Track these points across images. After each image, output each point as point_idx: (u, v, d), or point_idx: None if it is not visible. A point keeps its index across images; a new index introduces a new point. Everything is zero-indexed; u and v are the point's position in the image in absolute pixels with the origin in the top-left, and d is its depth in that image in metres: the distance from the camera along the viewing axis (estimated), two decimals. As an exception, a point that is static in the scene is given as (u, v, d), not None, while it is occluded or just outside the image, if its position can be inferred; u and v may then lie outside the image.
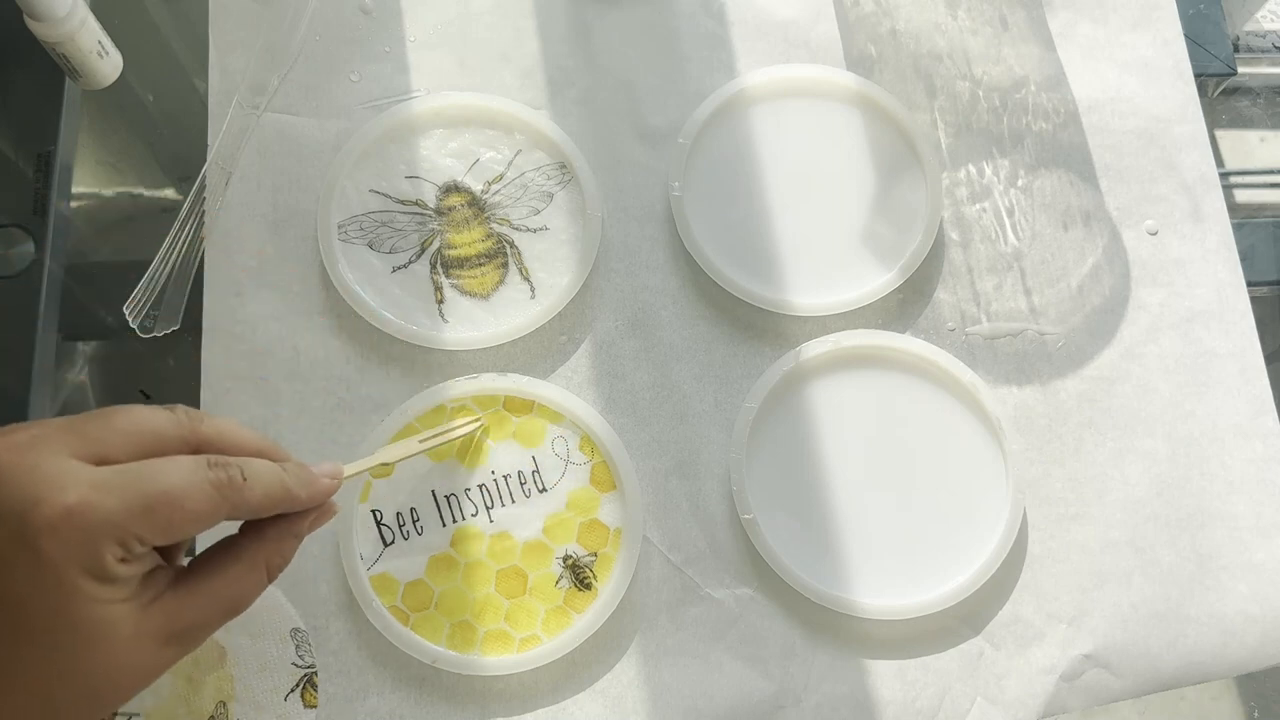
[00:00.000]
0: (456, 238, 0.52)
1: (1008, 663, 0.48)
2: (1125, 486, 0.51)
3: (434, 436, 0.43)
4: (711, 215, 0.53)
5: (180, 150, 0.55)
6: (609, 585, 0.47)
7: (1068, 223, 0.55)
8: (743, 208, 0.53)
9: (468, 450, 0.48)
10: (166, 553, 0.35)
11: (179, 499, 0.31)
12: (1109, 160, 0.56)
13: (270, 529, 0.36)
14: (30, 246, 0.51)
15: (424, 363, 0.50)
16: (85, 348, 0.54)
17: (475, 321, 0.51)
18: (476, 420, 0.43)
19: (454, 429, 0.46)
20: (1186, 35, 0.59)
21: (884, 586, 0.48)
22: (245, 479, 0.33)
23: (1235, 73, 0.61)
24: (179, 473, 0.31)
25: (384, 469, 0.42)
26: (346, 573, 0.47)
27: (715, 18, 0.57)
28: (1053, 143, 0.56)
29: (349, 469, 0.39)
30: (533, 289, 0.51)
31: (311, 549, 0.47)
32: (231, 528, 0.36)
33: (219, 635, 0.46)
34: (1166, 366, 0.53)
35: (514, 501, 0.48)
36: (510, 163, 0.53)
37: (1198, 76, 0.58)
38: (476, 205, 0.52)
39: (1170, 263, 0.55)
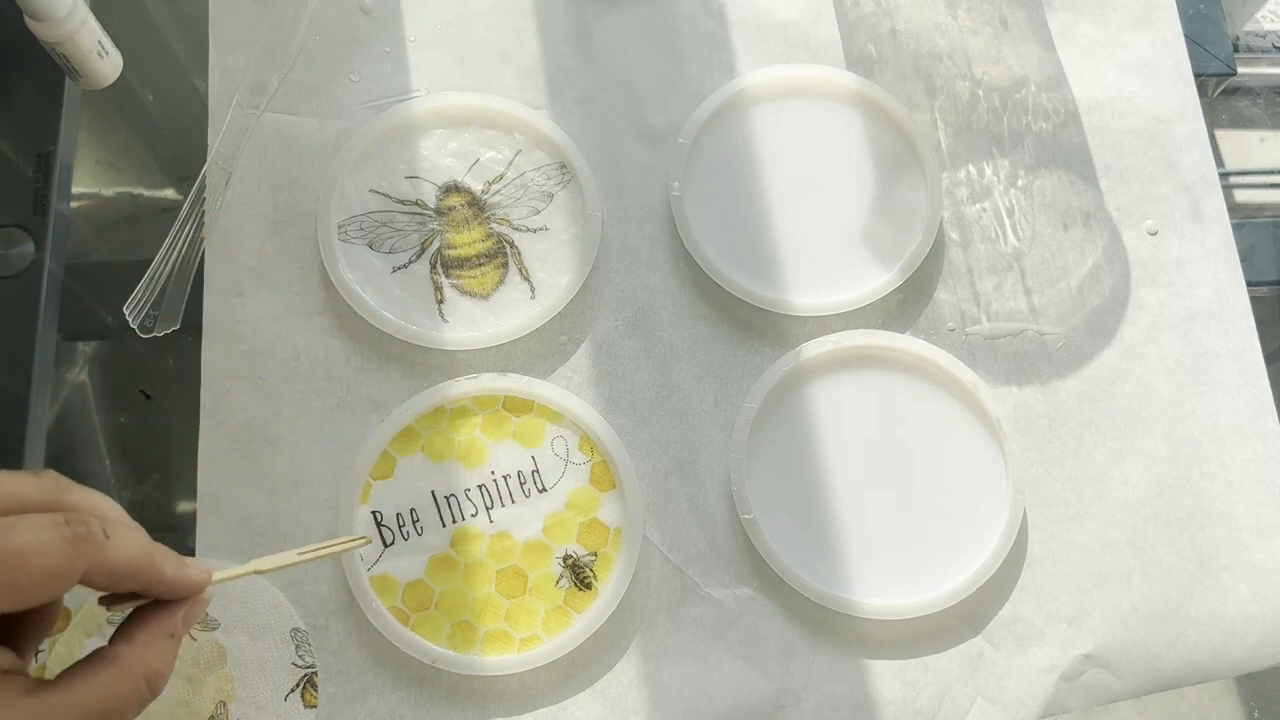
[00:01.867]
0: (456, 238, 0.52)
1: (1008, 663, 0.48)
2: (1125, 486, 0.51)
3: (313, 551, 0.41)
4: (711, 215, 0.53)
5: (180, 150, 0.55)
6: (609, 585, 0.47)
7: (1068, 223, 0.55)
8: (743, 208, 0.53)
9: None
10: (17, 648, 0.30)
11: (25, 555, 0.27)
12: (1109, 160, 0.56)
13: (139, 631, 0.31)
14: (30, 246, 0.51)
15: (424, 363, 0.50)
16: (85, 348, 0.54)
17: (475, 321, 0.51)
18: (361, 538, 0.42)
19: (335, 544, 0.42)
20: (1186, 35, 0.59)
21: (884, 586, 0.48)
22: (106, 536, 0.29)
23: (1235, 73, 0.61)
24: (27, 529, 0.28)
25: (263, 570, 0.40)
26: (346, 573, 0.47)
27: (715, 18, 0.57)
28: (1053, 143, 0.56)
29: (218, 575, 0.35)
30: (533, 289, 0.51)
31: (311, 549, 0.47)
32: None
33: (219, 635, 0.46)
34: (1166, 366, 0.53)
35: (514, 501, 0.48)
36: (510, 163, 0.53)
37: (1198, 76, 0.58)
38: (476, 205, 0.52)
39: (1170, 263, 0.55)
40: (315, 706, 0.45)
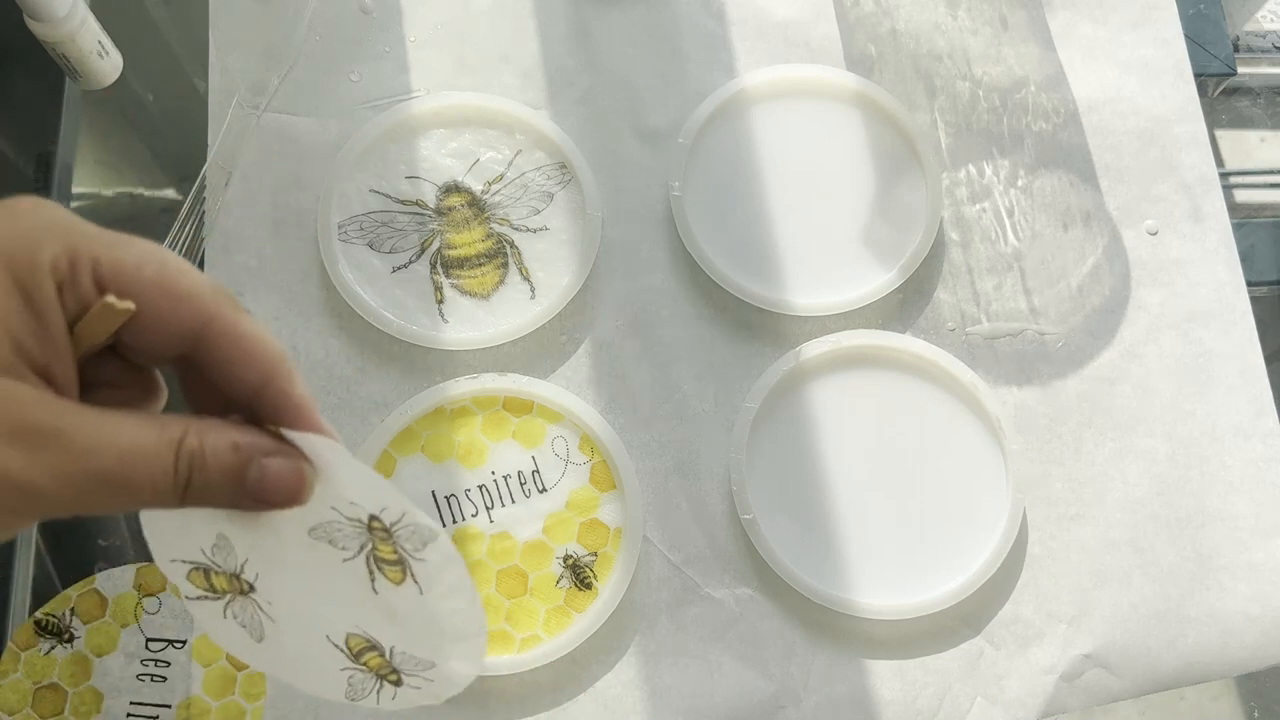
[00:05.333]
0: (456, 238, 0.52)
1: (1008, 663, 0.48)
2: (1125, 486, 0.51)
3: None
4: (711, 215, 0.53)
5: (180, 150, 0.55)
6: (609, 585, 0.47)
7: (1068, 223, 0.55)
8: (743, 208, 0.53)
9: None
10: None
11: (181, 272, 0.26)
12: (1109, 160, 0.56)
13: (207, 418, 0.27)
14: (30, 246, 0.51)
15: (424, 363, 0.50)
16: (85, 348, 0.54)
17: (475, 321, 0.51)
18: None
19: None
20: (1186, 35, 0.59)
21: (884, 586, 0.48)
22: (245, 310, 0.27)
23: (1235, 73, 0.61)
24: (183, 270, 0.26)
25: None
26: (346, 573, 0.47)
27: (715, 18, 0.57)
28: (1053, 143, 0.56)
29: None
30: (533, 289, 0.51)
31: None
32: None
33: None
34: (1166, 367, 0.53)
35: (514, 502, 0.48)
36: (510, 163, 0.53)
37: (1198, 76, 0.58)
38: (476, 205, 0.52)
39: (1170, 263, 0.55)
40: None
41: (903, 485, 0.50)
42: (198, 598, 0.33)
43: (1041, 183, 0.56)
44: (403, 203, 0.52)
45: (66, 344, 0.25)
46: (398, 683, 0.34)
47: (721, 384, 0.51)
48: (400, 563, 0.32)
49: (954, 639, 0.48)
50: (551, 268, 0.52)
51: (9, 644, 0.46)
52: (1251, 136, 0.63)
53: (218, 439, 0.26)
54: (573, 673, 0.47)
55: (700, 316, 0.52)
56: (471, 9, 0.56)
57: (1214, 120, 0.61)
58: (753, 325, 0.52)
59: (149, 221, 0.54)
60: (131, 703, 0.46)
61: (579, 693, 0.47)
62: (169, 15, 0.58)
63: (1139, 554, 0.50)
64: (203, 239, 0.51)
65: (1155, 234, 0.55)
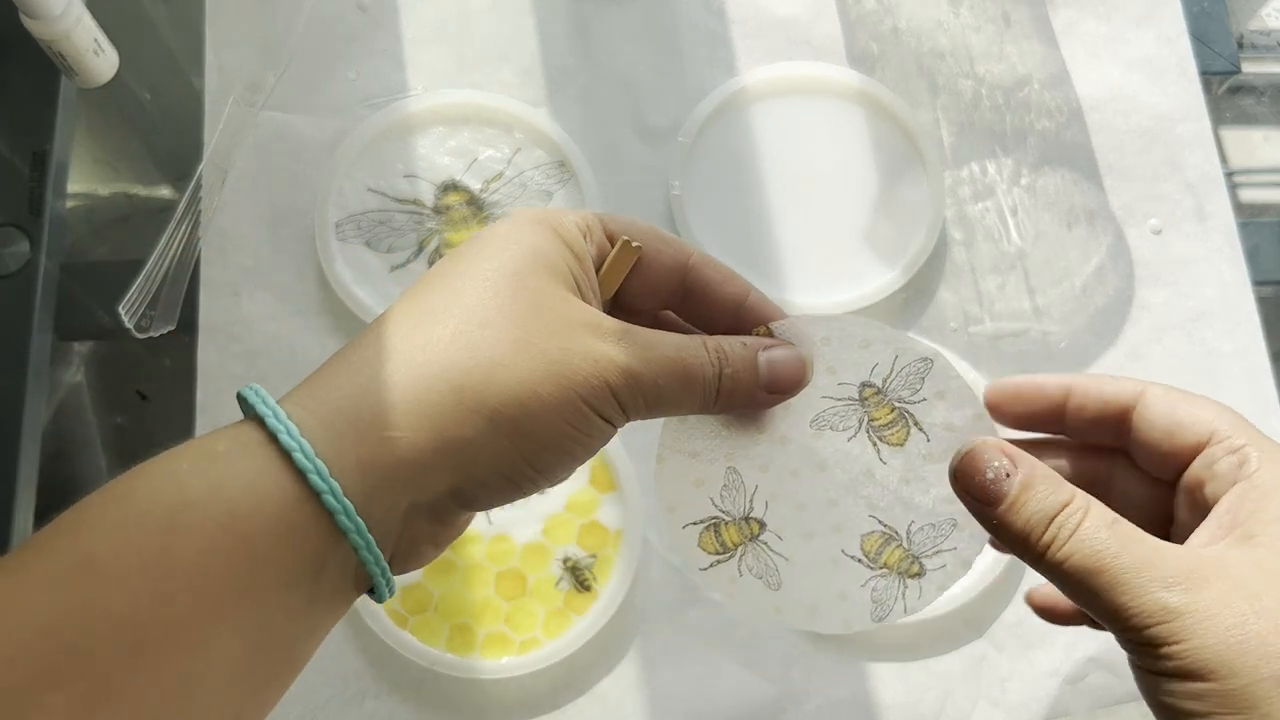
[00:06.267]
0: (455, 236, 0.51)
1: (1011, 665, 0.48)
2: (1129, 488, 0.51)
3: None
4: (712, 214, 0.53)
5: (177, 148, 0.55)
6: (609, 587, 0.47)
7: (1071, 222, 0.55)
8: (743, 206, 0.53)
9: None
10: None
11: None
12: (1112, 159, 0.56)
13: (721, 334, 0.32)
14: (25, 246, 0.51)
15: (422, 363, 0.50)
16: (81, 348, 0.53)
17: (474, 321, 0.50)
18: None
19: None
20: (1190, 34, 0.59)
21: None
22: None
23: (1239, 71, 0.61)
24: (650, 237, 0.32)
25: None
26: (344, 575, 0.46)
27: (715, 15, 0.56)
28: (1056, 141, 0.56)
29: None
30: (532, 288, 0.51)
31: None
32: None
33: None
34: (1171, 366, 0.53)
35: (513, 503, 0.48)
36: (509, 161, 0.53)
37: (1202, 74, 0.58)
38: (475, 204, 0.52)
39: (1174, 262, 0.55)
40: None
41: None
42: (710, 565, 0.36)
43: (1045, 181, 0.55)
44: (400, 201, 0.52)
45: (597, 286, 0.31)
46: (920, 573, 0.36)
47: (722, 384, 0.51)
48: (898, 420, 0.36)
49: (957, 641, 0.48)
50: (551, 267, 0.51)
51: None
52: (1256, 135, 0.63)
53: (730, 340, 0.31)
54: (572, 675, 0.46)
55: (701, 316, 0.52)
56: (470, 6, 0.55)
57: (1218, 119, 0.61)
58: (754, 325, 0.52)
59: (145, 220, 0.54)
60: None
61: (578, 695, 0.46)
62: (165, 13, 0.58)
63: (1143, 556, 0.50)
64: (199, 237, 0.51)
65: (1159, 233, 0.55)
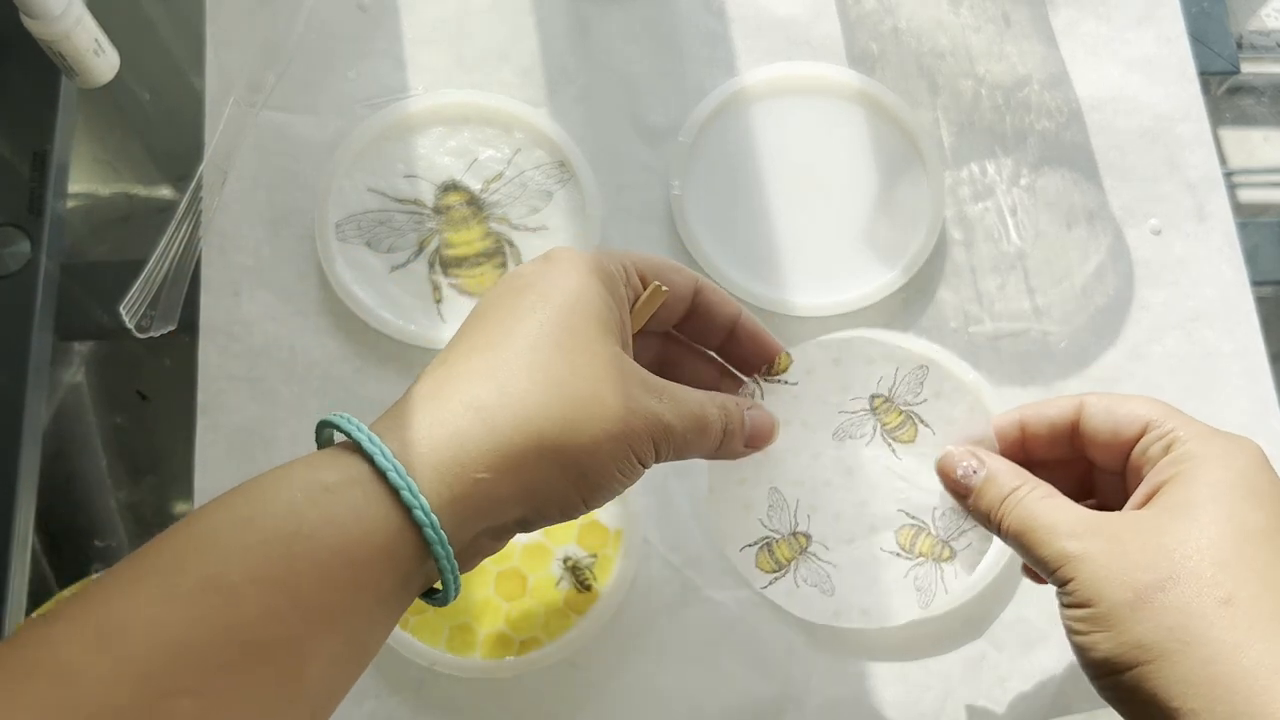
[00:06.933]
0: (455, 237, 0.51)
1: (1010, 665, 0.48)
2: (1129, 487, 0.51)
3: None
4: (712, 214, 0.53)
5: (177, 149, 0.55)
6: (609, 587, 0.47)
7: (1071, 222, 0.55)
8: (743, 207, 0.53)
9: None
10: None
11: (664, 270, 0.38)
12: (1112, 159, 0.56)
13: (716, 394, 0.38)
14: (26, 246, 0.51)
15: (422, 363, 0.50)
16: (81, 348, 0.53)
17: (474, 321, 0.50)
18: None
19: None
20: (1190, 34, 0.59)
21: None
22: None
23: (1239, 71, 0.61)
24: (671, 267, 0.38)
25: None
26: (344, 575, 0.46)
27: (715, 15, 0.56)
28: (1056, 141, 0.56)
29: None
30: (532, 288, 0.51)
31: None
32: None
33: None
34: (1170, 367, 0.53)
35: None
36: (509, 161, 0.53)
37: (1201, 75, 0.58)
38: (475, 204, 0.52)
39: (1174, 262, 0.55)
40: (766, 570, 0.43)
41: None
42: (769, 583, 0.41)
43: (1045, 181, 0.55)
44: (401, 201, 0.52)
45: (630, 326, 0.36)
46: (951, 556, 0.42)
47: (722, 384, 0.51)
48: (906, 421, 0.42)
49: (956, 641, 0.48)
50: (551, 267, 0.51)
51: None
52: (1255, 135, 0.63)
53: (729, 399, 0.37)
54: (572, 675, 0.46)
55: (701, 316, 0.52)
56: (470, 6, 0.55)
57: (1218, 119, 0.61)
58: (753, 325, 0.52)
59: (146, 220, 0.54)
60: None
61: (579, 695, 0.46)
62: (166, 13, 0.58)
63: (1143, 555, 0.50)
64: (200, 238, 0.51)
65: (1159, 233, 0.55)
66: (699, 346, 0.41)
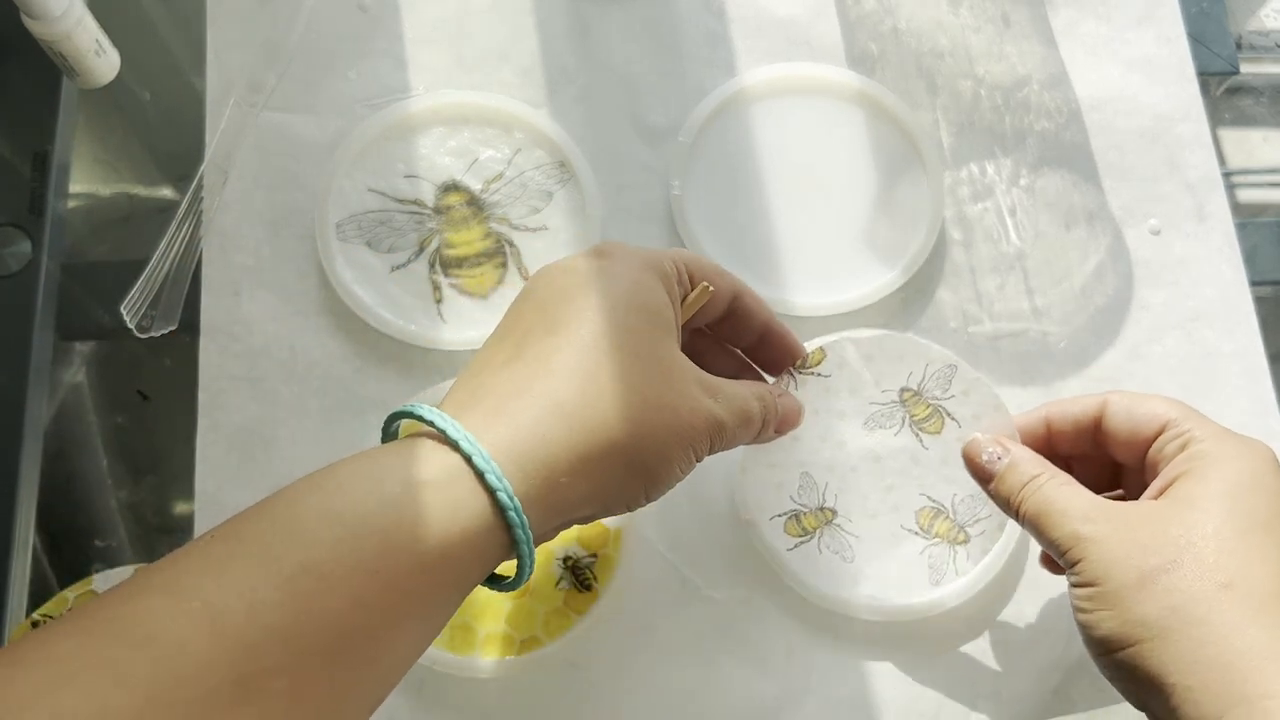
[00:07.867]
0: (455, 237, 0.51)
1: (1010, 664, 0.48)
2: (1128, 487, 0.51)
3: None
4: (712, 214, 0.53)
5: (178, 149, 0.55)
6: (609, 586, 0.47)
7: (1070, 222, 0.55)
8: (743, 207, 0.53)
9: None
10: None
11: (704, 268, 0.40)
12: (1112, 159, 0.56)
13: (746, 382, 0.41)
14: (27, 246, 0.51)
15: (422, 363, 0.50)
16: (82, 348, 0.53)
17: (474, 321, 0.50)
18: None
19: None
20: (1189, 34, 0.59)
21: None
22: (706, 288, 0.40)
23: (1238, 71, 0.61)
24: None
25: None
26: (344, 574, 0.46)
27: (715, 15, 0.57)
28: (1055, 141, 0.56)
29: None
30: (532, 288, 0.51)
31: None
32: None
33: None
34: (1170, 367, 0.53)
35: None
36: (510, 161, 0.53)
37: (1200, 75, 0.58)
38: (475, 204, 0.52)
39: (1174, 262, 0.55)
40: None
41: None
42: (795, 546, 0.46)
43: (1044, 182, 0.56)
44: (401, 201, 0.52)
45: (680, 323, 0.38)
46: (966, 541, 0.46)
47: (722, 384, 0.51)
48: (933, 414, 0.46)
49: (956, 639, 0.48)
50: (551, 267, 0.51)
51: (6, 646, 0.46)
52: (1254, 135, 0.63)
53: (765, 389, 0.41)
54: (573, 675, 0.47)
55: (701, 316, 0.52)
56: (470, 6, 0.55)
57: (1217, 119, 0.61)
58: (753, 325, 0.52)
59: (146, 220, 0.54)
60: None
61: (579, 695, 0.46)
62: (166, 13, 0.58)
63: (1142, 555, 0.50)
64: (200, 238, 0.51)
65: (1158, 233, 0.55)
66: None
